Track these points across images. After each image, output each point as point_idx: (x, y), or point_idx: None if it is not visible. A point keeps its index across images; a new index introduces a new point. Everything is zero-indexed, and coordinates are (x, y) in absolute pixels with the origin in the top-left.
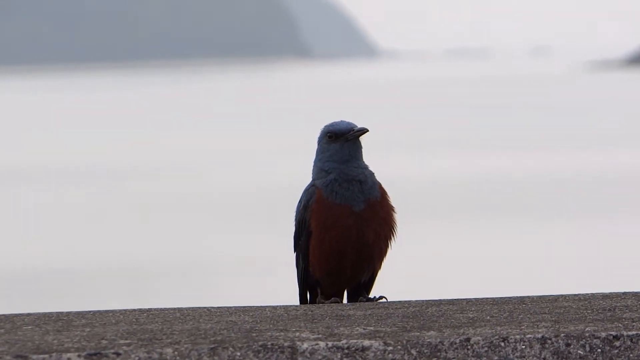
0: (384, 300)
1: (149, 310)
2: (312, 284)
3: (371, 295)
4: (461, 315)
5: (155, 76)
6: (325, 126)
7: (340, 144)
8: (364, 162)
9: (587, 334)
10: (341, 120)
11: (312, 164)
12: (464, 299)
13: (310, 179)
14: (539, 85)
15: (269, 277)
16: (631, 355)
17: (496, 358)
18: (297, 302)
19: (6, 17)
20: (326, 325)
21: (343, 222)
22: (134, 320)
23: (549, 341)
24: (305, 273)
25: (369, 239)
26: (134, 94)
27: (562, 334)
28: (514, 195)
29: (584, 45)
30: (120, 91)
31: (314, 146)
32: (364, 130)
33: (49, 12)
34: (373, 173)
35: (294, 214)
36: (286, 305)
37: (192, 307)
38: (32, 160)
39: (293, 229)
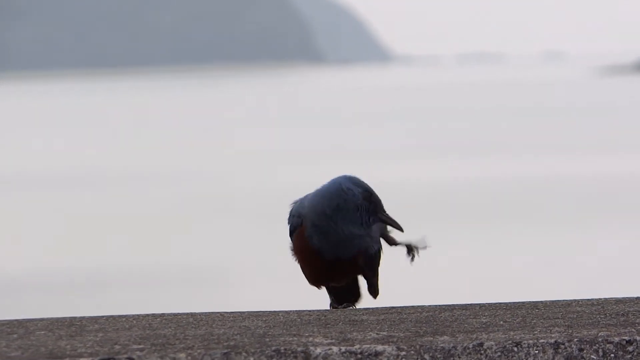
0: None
1: (162, 315)
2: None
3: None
4: (474, 320)
5: (171, 81)
6: (363, 182)
7: (372, 212)
8: None
9: (600, 339)
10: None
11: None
12: (477, 304)
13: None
14: (552, 90)
15: (282, 282)
16: None
17: None
18: (311, 307)
19: (18, 23)
20: (339, 330)
21: (301, 256)
22: (147, 325)
23: (562, 346)
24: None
25: (337, 279)
26: (149, 99)
27: (575, 339)
28: (528, 199)
29: (596, 51)
30: (136, 96)
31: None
32: (396, 227)
33: (62, 17)
34: None
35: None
36: (299, 310)
37: (205, 312)
38: (45, 164)
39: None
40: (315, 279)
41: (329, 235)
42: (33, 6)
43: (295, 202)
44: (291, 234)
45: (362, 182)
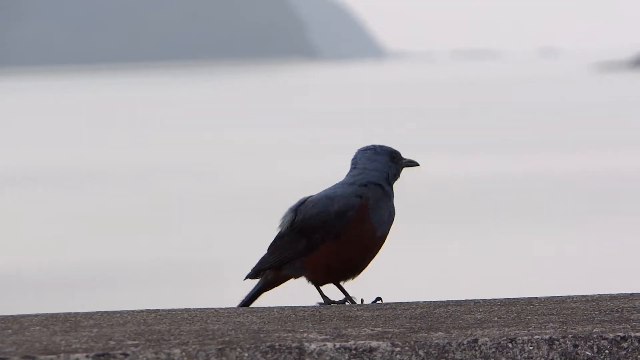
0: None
1: (157, 311)
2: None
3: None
4: (469, 316)
5: (167, 78)
6: (386, 145)
7: (397, 167)
8: None
9: (594, 335)
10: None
11: (362, 163)
12: (471, 300)
13: (353, 183)
14: (547, 86)
15: None
16: (639, 356)
17: (504, 359)
18: (305, 303)
19: (18, 19)
20: (334, 326)
21: (360, 242)
22: (141, 321)
23: (557, 342)
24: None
25: (367, 263)
26: (145, 96)
27: (570, 335)
28: (522, 196)
29: (591, 47)
30: (130, 92)
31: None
32: (415, 164)
33: (60, 14)
34: None
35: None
36: (294, 306)
37: (200, 308)
38: (39, 160)
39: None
40: (352, 266)
41: (382, 209)
42: (30, 3)
43: (310, 198)
44: (342, 220)
45: (379, 146)
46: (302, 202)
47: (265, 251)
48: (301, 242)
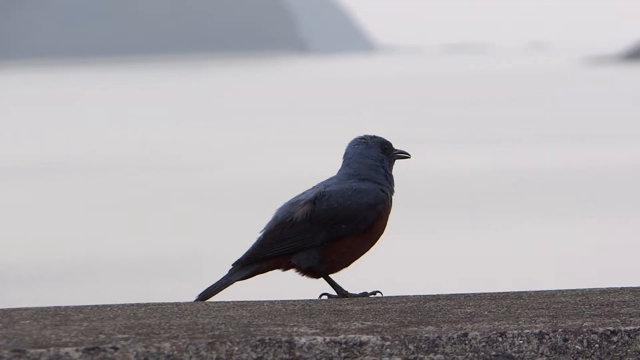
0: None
1: (147, 304)
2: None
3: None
4: (459, 310)
5: (153, 71)
6: (379, 136)
7: (389, 158)
8: None
9: (584, 329)
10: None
11: (355, 162)
12: (461, 294)
13: (347, 176)
14: (538, 80)
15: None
16: (629, 350)
17: (494, 353)
18: (295, 297)
19: (8, 12)
20: (324, 320)
21: (379, 235)
22: (131, 314)
23: (547, 336)
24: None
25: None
26: (131, 89)
27: (560, 329)
28: (512, 190)
29: (582, 41)
30: (118, 85)
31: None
32: (406, 156)
33: (47, 6)
34: None
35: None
36: (284, 300)
37: (190, 302)
38: (28, 153)
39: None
40: (359, 258)
41: (392, 198)
42: None
43: (328, 190)
44: (373, 212)
45: (371, 137)
46: (319, 193)
47: (262, 239)
48: (321, 233)
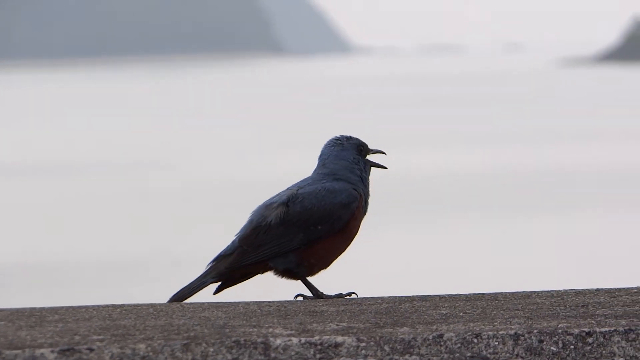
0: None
1: (122, 305)
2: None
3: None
4: (434, 311)
5: (127, 71)
6: (355, 137)
7: (365, 161)
8: None
9: (560, 331)
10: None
11: (331, 163)
12: (436, 295)
13: (323, 177)
14: (512, 80)
15: None
16: (604, 351)
17: (469, 354)
18: (270, 298)
19: None
20: (299, 321)
21: (355, 235)
22: (107, 315)
23: (522, 337)
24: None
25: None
26: (106, 89)
27: (535, 331)
28: (487, 191)
29: (557, 42)
30: (92, 86)
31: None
32: (382, 167)
33: (22, 7)
34: None
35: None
36: (259, 301)
37: (165, 303)
38: (4, 155)
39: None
40: (340, 254)
41: (367, 203)
42: None
43: (300, 192)
44: (348, 212)
45: (346, 138)
46: (292, 196)
47: (239, 246)
48: (298, 236)
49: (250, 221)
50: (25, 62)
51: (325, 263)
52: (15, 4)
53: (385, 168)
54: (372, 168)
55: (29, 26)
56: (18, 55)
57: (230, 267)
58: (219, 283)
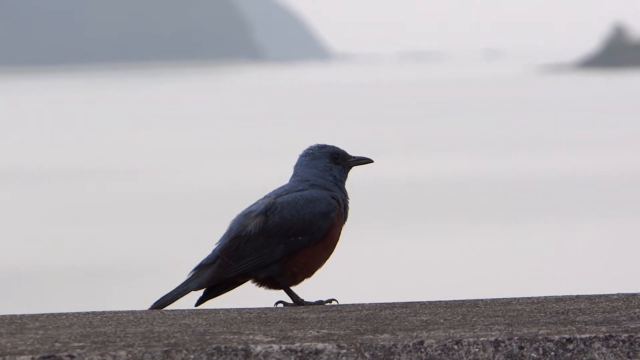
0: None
1: (103, 313)
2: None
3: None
4: (414, 318)
5: (108, 79)
6: (329, 145)
7: (343, 167)
8: None
9: (540, 337)
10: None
11: (302, 171)
12: (417, 302)
13: (299, 186)
14: (492, 87)
15: None
16: (584, 358)
17: None
18: (251, 305)
19: None
20: (280, 328)
21: (336, 242)
22: (87, 323)
23: (502, 344)
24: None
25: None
26: (84, 97)
27: (516, 337)
28: (467, 197)
29: (537, 49)
30: (69, 94)
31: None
32: (368, 161)
33: (3, 13)
34: None
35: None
36: (240, 308)
37: (146, 310)
38: None
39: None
40: (323, 262)
41: (346, 206)
42: None
43: (279, 201)
44: (327, 221)
45: (319, 147)
46: (270, 205)
47: (220, 258)
48: (279, 247)
49: (230, 230)
50: (5, 69)
51: (308, 272)
52: None
53: (371, 161)
54: (355, 168)
55: (1, 33)
56: None
57: (212, 281)
58: (201, 293)
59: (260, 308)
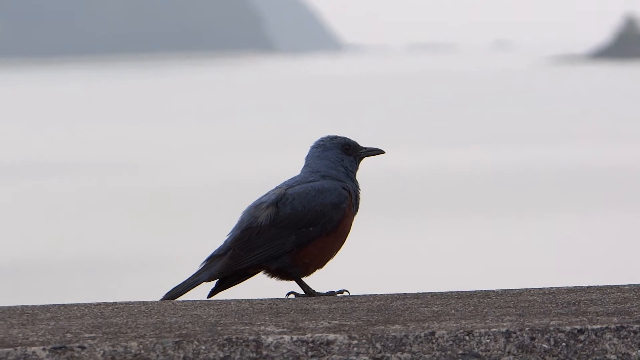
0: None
1: (114, 304)
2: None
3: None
4: (426, 309)
5: (119, 71)
6: (340, 136)
7: (354, 158)
8: None
9: (551, 328)
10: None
11: (314, 162)
12: (428, 293)
13: (311, 177)
14: (503, 79)
15: None
16: (595, 349)
17: (461, 352)
18: (262, 296)
19: None
20: (291, 319)
21: (347, 233)
22: (99, 313)
23: (514, 335)
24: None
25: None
26: (96, 89)
27: (527, 328)
28: (478, 189)
29: (547, 41)
30: (83, 85)
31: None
32: (379, 152)
33: (4, 8)
34: None
35: (301, 204)
36: (251, 299)
37: (157, 301)
38: None
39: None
40: (334, 253)
41: (358, 196)
42: None
43: (289, 192)
44: (339, 211)
45: (330, 138)
46: (281, 196)
47: (231, 249)
48: (290, 238)
49: (241, 221)
50: (9, 61)
51: (319, 263)
52: None
53: (383, 152)
54: (366, 159)
55: (5, 27)
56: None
57: (223, 272)
58: (213, 285)
59: (271, 299)
